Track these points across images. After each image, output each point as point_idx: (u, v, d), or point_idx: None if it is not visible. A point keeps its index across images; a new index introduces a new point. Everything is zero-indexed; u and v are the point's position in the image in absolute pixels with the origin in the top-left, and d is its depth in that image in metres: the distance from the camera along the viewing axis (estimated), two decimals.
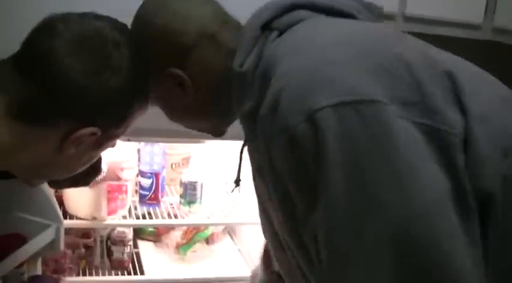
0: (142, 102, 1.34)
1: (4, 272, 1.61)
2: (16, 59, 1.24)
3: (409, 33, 1.27)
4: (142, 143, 2.49)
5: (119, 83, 1.23)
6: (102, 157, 2.07)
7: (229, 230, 2.96)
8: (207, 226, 2.70)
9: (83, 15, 1.26)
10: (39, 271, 2.00)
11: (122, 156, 2.19)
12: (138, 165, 2.50)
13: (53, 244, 1.77)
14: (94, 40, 1.23)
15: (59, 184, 2.13)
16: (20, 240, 1.69)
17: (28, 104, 1.20)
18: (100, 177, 2.12)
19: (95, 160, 1.45)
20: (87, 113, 1.23)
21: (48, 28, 1.23)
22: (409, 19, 2.71)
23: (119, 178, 2.28)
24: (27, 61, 1.22)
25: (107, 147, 1.40)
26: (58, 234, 1.78)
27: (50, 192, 1.79)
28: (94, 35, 1.23)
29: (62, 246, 1.82)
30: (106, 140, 1.34)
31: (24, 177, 1.40)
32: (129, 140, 2.24)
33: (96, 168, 2.08)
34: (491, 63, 2.96)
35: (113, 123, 1.30)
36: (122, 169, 2.25)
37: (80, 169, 1.44)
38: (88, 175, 2.07)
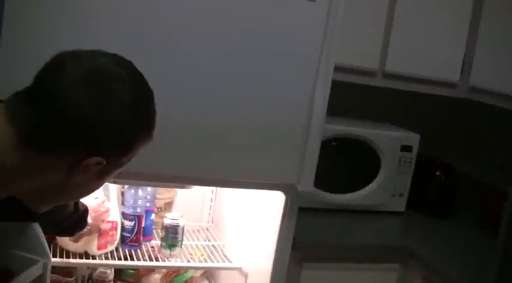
0: (147, 134, 1.42)
1: None
2: (28, 92, 1.32)
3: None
4: (126, 186, 2.56)
5: (123, 115, 1.32)
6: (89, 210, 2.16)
7: (208, 275, 3.00)
8: (186, 269, 2.74)
9: (91, 52, 1.36)
10: None
11: (99, 207, 2.27)
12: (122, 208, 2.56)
13: (40, 279, 1.80)
14: (100, 76, 1.32)
15: (44, 231, 2.19)
16: (7, 275, 1.72)
17: (38, 134, 1.28)
18: (85, 229, 2.21)
19: (100, 187, 1.53)
20: (93, 143, 1.32)
21: (57, 64, 1.33)
22: (388, 76, 2.82)
23: (99, 230, 2.37)
24: (38, 94, 1.30)
25: (113, 176, 1.47)
26: (45, 270, 1.82)
27: (39, 228, 1.84)
28: (100, 70, 1.32)
29: (48, 282, 1.86)
30: (112, 168, 1.42)
31: (30, 202, 1.46)
32: (115, 182, 2.32)
33: (83, 220, 2.16)
34: (465, 121, 3.09)
35: (118, 153, 1.39)
36: (103, 221, 2.33)
37: (85, 196, 1.56)
38: (75, 226, 2.15)
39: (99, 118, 1.29)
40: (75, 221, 2.10)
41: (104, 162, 1.35)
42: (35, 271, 1.77)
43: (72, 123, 1.28)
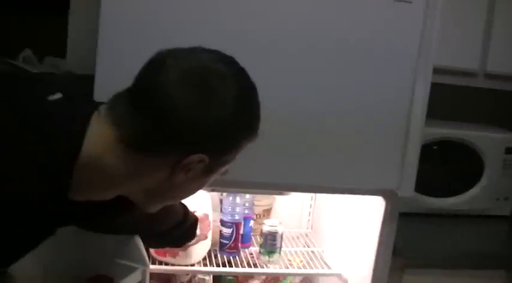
0: (251, 131, 1.42)
1: None
2: (129, 93, 1.33)
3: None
4: (224, 193, 2.56)
5: (226, 113, 1.31)
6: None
7: (308, 281, 2.96)
8: (285, 276, 2.72)
9: (190, 50, 1.36)
10: None
11: (204, 213, 2.27)
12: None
13: None
14: (200, 73, 1.31)
15: (155, 245, 2.22)
16: (108, 282, 1.76)
17: (140, 135, 1.29)
18: (193, 241, 2.21)
19: (206, 185, 1.51)
20: (196, 142, 1.32)
21: (157, 63, 1.33)
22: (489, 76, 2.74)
23: (205, 238, 2.37)
24: (138, 95, 1.32)
25: (217, 175, 1.47)
26: (144, 277, 1.84)
27: (139, 239, 1.87)
28: (200, 68, 1.32)
29: None
30: (216, 166, 1.42)
31: (140, 202, 1.48)
32: (213, 190, 2.32)
33: (193, 230, 2.15)
34: None
35: (222, 151, 1.39)
36: (208, 226, 2.33)
37: (191, 194, 1.54)
38: (185, 237, 2.15)
39: (202, 117, 1.29)
40: (185, 231, 2.11)
41: (207, 160, 1.34)
42: (134, 277, 1.80)
43: (176, 124, 1.28)
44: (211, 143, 1.33)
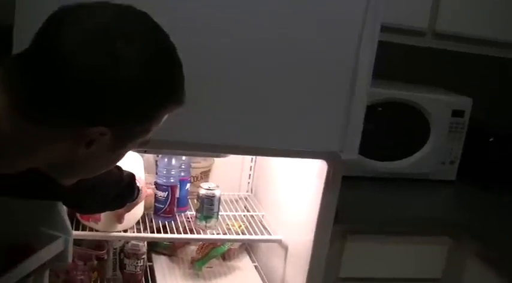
0: (166, 99, 1.26)
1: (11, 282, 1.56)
2: (22, 55, 1.17)
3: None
4: (159, 155, 2.44)
5: (129, 77, 1.14)
6: (136, 176, 2.04)
7: (247, 246, 2.91)
8: (223, 242, 2.63)
9: (96, 5, 1.19)
10: None
11: (136, 170, 2.15)
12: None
13: (61, 255, 1.71)
14: (103, 32, 1.14)
15: (89, 210, 2.09)
16: (29, 251, 1.63)
17: (31, 102, 1.14)
18: (137, 198, 2.10)
19: (116, 163, 1.40)
20: (94, 111, 1.15)
21: (55, 21, 1.17)
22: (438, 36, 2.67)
23: (147, 195, 2.26)
24: (32, 55, 1.16)
25: (128, 149, 1.34)
26: (67, 246, 1.72)
27: (61, 204, 1.75)
28: (103, 26, 1.15)
29: (70, 258, 1.76)
30: (126, 140, 1.28)
31: (52, 174, 1.32)
32: (146, 152, 2.20)
33: (132, 188, 2.03)
34: None
35: (128, 122, 1.23)
36: (144, 185, 2.22)
37: (104, 170, 1.38)
38: (126, 195, 2.03)
39: (99, 81, 1.12)
40: (123, 190, 1.98)
41: (109, 133, 1.19)
42: (56, 247, 1.68)
43: (68, 88, 1.12)
44: (112, 113, 1.18)
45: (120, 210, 2.18)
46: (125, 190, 1.99)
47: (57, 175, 1.33)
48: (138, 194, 2.09)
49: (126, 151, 1.34)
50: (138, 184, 2.07)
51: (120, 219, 2.23)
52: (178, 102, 1.29)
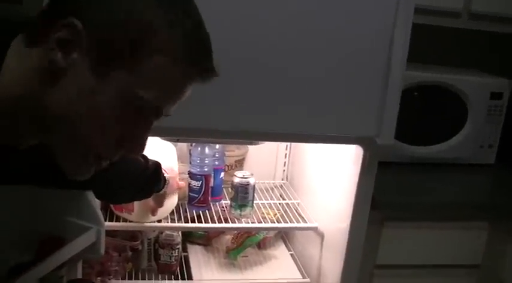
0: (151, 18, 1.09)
1: (42, 274, 1.55)
2: None
3: None
4: (193, 144, 2.42)
5: None
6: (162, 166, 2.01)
7: (283, 234, 2.88)
8: (258, 230, 2.60)
9: None
10: (79, 275, 1.94)
11: (168, 160, 2.12)
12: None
13: (93, 247, 1.70)
14: None
15: (116, 199, 2.07)
16: (61, 243, 1.62)
17: None
18: (164, 189, 2.07)
19: (105, 105, 1.10)
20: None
21: None
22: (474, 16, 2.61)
23: (179, 188, 2.24)
24: None
25: (116, 85, 1.09)
26: (99, 237, 1.70)
27: (92, 195, 1.73)
28: None
29: (102, 250, 1.75)
30: (105, 58, 1.08)
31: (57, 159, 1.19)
32: (178, 141, 2.17)
33: (158, 176, 2.00)
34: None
35: (100, 19, 1.08)
36: (177, 175, 2.19)
37: (87, 110, 1.10)
38: (151, 184, 2.00)
39: None
40: (149, 178, 1.95)
41: (79, 27, 1.05)
42: (87, 238, 1.67)
43: None
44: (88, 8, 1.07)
45: (152, 204, 2.16)
46: (151, 179, 1.97)
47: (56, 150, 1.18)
48: (165, 183, 2.06)
49: (115, 89, 1.10)
50: (165, 173, 2.05)
51: (153, 212, 2.21)
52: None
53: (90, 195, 1.71)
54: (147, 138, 1.20)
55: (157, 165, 1.97)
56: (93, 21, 1.06)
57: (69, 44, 1.05)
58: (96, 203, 1.74)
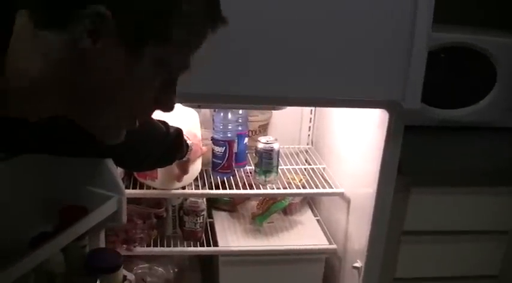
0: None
1: (64, 244, 1.54)
2: None
3: None
4: (216, 110, 2.40)
5: None
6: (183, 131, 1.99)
7: (309, 200, 2.86)
8: (284, 196, 2.58)
9: None
10: (102, 244, 1.93)
11: (191, 126, 2.10)
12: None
13: (114, 216, 1.69)
14: None
15: (138, 167, 2.05)
16: (82, 212, 1.61)
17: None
18: (188, 155, 2.05)
19: (141, 80, 1.13)
20: None
21: None
22: None
23: (202, 153, 2.24)
24: None
25: (151, 56, 1.11)
26: (120, 206, 1.69)
27: (112, 163, 1.71)
28: None
29: (124, 218, 1.74)
30: (137, 34, 1.08)
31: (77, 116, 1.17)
32: (199, 107, 2.15)
33: (180, 142, 1.99)
34: None
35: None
36: (200, 141, 2.18)
37: (123, 86, 1.12)
38: (174, 151, 1.99)
39: None
40: (171, 145, 1.93)
41: (108, 15, 1.02)
42: (109, 207, 1.66)
43: None
44: None
45: (177, 171, 2.15)
46: (172, 145, 1.95)
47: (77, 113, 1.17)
48: (187, 150, 2.04)
49: (149, 61, 1.11)
50: (187, 140, 2.03)
51: (178, 179, 2.20)
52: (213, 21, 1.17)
53: (110, 163, 1.69)
54: (175, 93, 1.22)
55: (179, 132, 1.95)
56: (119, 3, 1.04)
57: (98, 32, 1.03)
58: (117, 171, 1.72)
